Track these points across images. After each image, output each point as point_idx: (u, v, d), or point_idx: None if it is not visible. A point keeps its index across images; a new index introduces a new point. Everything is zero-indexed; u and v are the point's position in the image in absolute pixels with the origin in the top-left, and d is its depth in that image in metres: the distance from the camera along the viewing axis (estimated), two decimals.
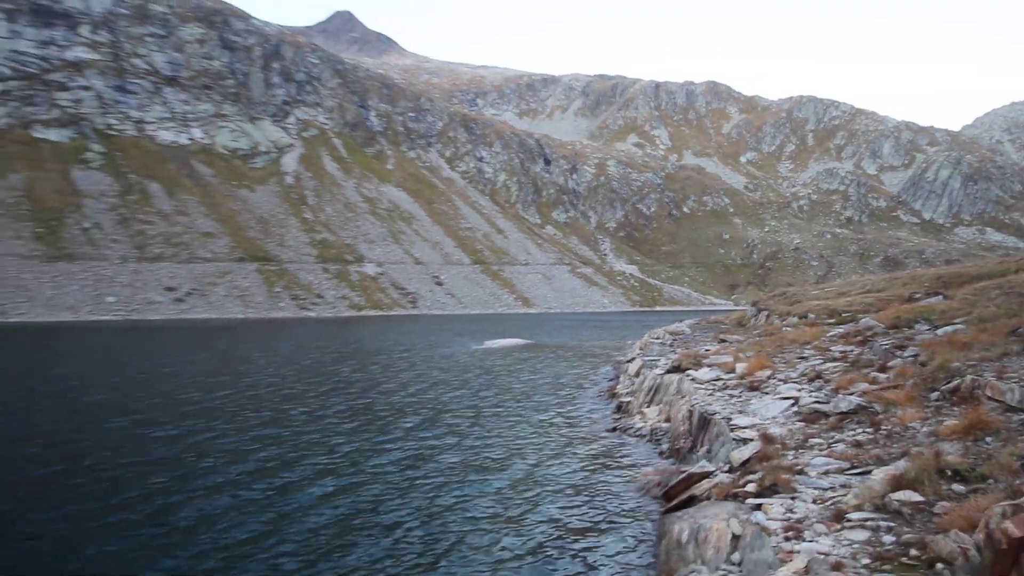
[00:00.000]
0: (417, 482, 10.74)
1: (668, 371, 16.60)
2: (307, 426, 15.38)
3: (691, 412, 11.64)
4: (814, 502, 6.28)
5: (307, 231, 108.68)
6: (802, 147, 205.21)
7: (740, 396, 12.04)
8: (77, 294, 77.78)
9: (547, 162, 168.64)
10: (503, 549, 7.85)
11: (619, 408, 17.54)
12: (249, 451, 12.81)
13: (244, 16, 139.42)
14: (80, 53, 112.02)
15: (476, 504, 9.59)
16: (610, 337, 46.71)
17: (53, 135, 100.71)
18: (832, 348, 14.54)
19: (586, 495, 9.99)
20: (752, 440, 8.62)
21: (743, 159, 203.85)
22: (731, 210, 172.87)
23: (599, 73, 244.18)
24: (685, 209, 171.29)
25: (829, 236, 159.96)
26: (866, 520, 5.59)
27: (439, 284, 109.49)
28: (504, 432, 14.67)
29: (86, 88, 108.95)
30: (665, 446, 12.68)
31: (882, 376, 10.54)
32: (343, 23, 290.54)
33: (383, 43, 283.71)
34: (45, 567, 7.61)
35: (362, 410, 17.63)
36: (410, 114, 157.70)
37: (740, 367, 14.16)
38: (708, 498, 7.75)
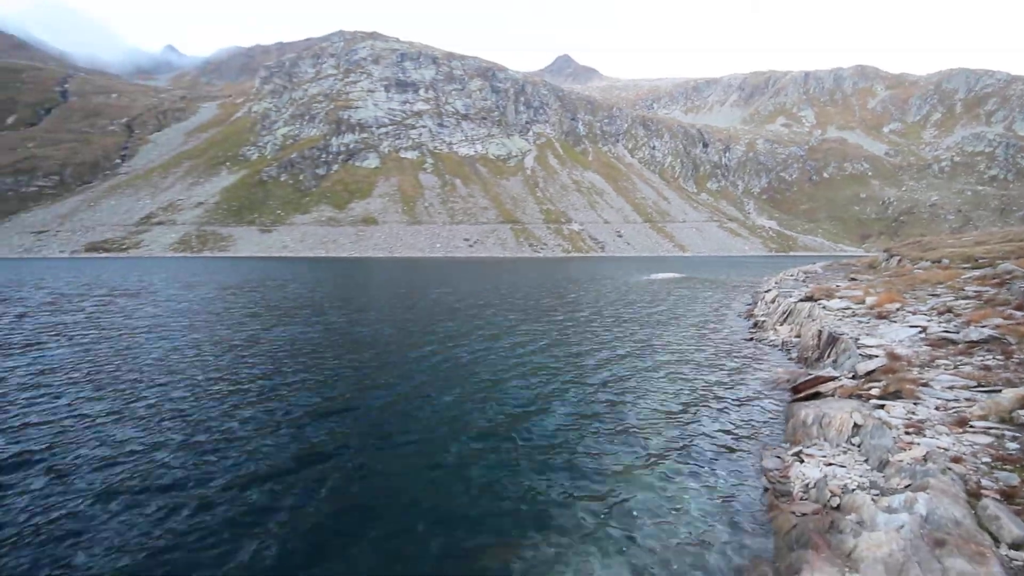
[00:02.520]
0: (605, 361, 10.90)
1: (802, 300, 13.61)
2: (540, 324, 16.35)
3: (820, 331, 9.50)
4: (936, 409, 4.88)
5: (538, 204, 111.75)
6: (949, 115, 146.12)
7: (868, 323, 9.38)
8: (422, 242, 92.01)
9: (705, 145, 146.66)
10: (665, 407, 7.73)
11: (755, 325, 14.94)
12: (517, 328, 14.17)
13: (503, 68, 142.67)
14: (420, 106, 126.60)
15: (645, 377, 9.44)
16: (749, 275, 40.15)
17: (409, 155, 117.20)
18: (966, 288, 10.47)
19: (728, 381, 9.13)
20: (877, 357, 6.87)
21: (886, 129, 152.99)
22: (869, 174, 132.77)
23: (753, 70, 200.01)
24: (825, 175, 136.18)
25: (969, 193, 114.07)
26: (990, 428, 4.22)
27: (620, 236, 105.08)
28: (666, 335, 13.92)
29: (424, 126, 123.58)
30: (794, 355, 10.65)
31: (1018, 313, 7.61)
32: (563, 63, 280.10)
33: (589, 73, 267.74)
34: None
35: (573, 314, 18.04)
36: (605, 120, 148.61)
37: (870, 300, 11.02)
38: (832, 395, 6.62)
